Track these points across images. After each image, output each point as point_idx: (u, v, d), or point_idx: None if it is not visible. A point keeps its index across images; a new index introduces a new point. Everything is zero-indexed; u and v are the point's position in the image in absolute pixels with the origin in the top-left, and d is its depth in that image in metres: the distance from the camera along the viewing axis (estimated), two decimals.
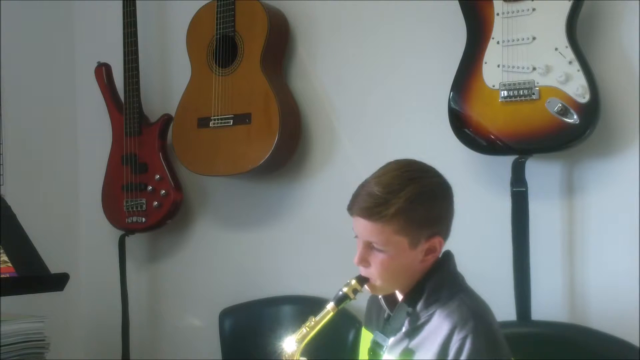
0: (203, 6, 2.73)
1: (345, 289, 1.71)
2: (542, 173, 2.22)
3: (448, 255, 1.75)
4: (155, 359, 3.04)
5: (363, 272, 1.71)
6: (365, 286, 1.72)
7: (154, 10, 3.06)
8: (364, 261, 1.69)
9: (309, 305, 2.59)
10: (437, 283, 1.69)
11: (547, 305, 2.20)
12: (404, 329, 1.70)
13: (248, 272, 2.83)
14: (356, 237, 1.70)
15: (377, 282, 1.70)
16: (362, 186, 1.69)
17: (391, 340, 1.72)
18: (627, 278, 2.10)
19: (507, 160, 2.17)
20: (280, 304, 2.69)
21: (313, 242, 2.69)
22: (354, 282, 1.71)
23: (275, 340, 2.52)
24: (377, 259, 1.67)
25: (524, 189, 2.16)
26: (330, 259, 2.63)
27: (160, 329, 3.06)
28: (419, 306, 1.68)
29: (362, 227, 1.67)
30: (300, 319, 2.53)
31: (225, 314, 2.75)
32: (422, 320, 1.68)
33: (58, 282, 2.37)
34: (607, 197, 2.15)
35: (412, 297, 1.70)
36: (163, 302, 3.06)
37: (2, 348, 2.37)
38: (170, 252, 3.03)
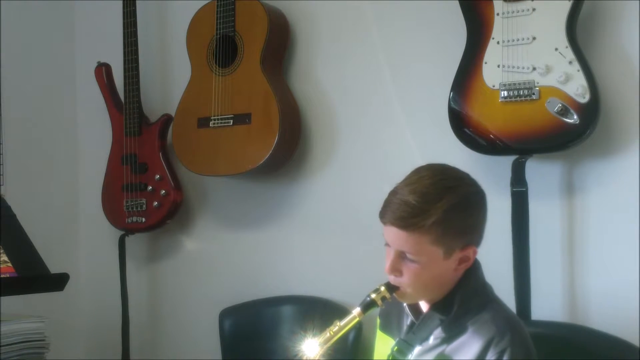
0: (203, 6, 2.73)
1: (373, 296, 1.68)
2: (542, 173, 2.22)
3: (476, 264, 1.72)
4: (155, 359, 3.04)
5: (393, 280, 1.67)
6: (394, 294, 1.68)
7: (154, 10, 3.06)
8: (396, 270, 1.65)
9: (308, 305, 2.59)
10: (468, 293, 1.67)
11: (547, 305, 2.20)
12: (431, 340, 1.68)
13: (248, 272, 2.83)
14: (386, 244, 1.66)
15: (408, 291, 1.66)
16: (394, 194, 1.63)
17: (417, 349, 1.69)
18: (627, 278, 2.10)
19: (507, 160, 2.17)
20: (280, 304, 2.69)
21: (313, 242, 2.69)
22: (383, 289, 1.68)
23: (275, 340, 2.54)
24: (409, 268, 1.63)
25: (524, 189, 2.16)
26: (330, 259, 2.63)
27: (160, 329, 3.06)
28: (451, 317, 1.65)
29: (396, 237, 1.62)
30: (300, 319, 2.55)
31: (225, 314, 2.75)
32: (454, 330, 1.65)
33: (58, 282, 2.37)
34: (607, 197, 2.15)
35: (442, 306, 1.67)
36: (163, 302, 3.06)
37: (2, 348, 2.37)
38: (170, 252, 3.03)
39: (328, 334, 1.69)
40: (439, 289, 1.68)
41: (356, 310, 1.69)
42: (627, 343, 2.01)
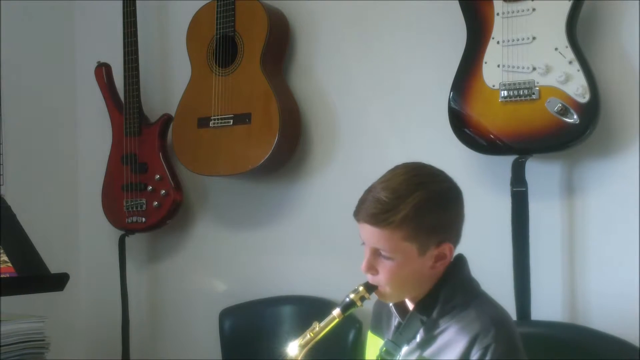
0: (203, 6, 2.73)
1: (352, 296, 1.67)
2: (542, 173, 2.22)
3: (461, 260, 1.71)
4: (155, 359, 3.04)
5: (371, 279, 1.67)
6: (374, 293, 1.68)
7: (154, 10, 3.06)
8: (372, 269, 1.65)
9: (309, 305, 2.59)
10: (452, 290, 1.66)
11: (547, 305, 2.20)
12: (418, 338, 1.67)
13: (248, 272, 2.83)
14: (363, 243, 1.66)
15: (386, 290, 1.66)
16: (369, 191, 1.64)
17: (404, 349, 1.69)
18: (627, 278, 2.10)
19: (507, 160, 2.17)
20: (280, 304, 2.69)
21: (313, 242, 2.69)
22: (361, 289, 1.67)
23: (275, 340, 2.54)
24: (385, 266, 1.63)
25: (524, 189, 2.15)
26: (330, 259, 2.63)
27: (160, 329, 3.06)
28: (435, 315, 1.65)
29: (369, 234, 1.62)
30: (300, 319, 2.55)
31: (225, 314, 2.75)
32: (438, 329, 1.64)
33: (58, 282, 2.37)
34: (607, 197, 2.15)
35: (425, 305, 1.67)
36: (163, 302, 3.06)
37: (2, 348, 2.37)
38: (170, 252, 3.03)
39: (308, 336, 1.68)
40: (418, 287, 1.68)
41: (336, 311, 1.68)
42: (627, 343, 2.01)
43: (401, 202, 1.58)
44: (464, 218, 1.69)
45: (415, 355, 1.66)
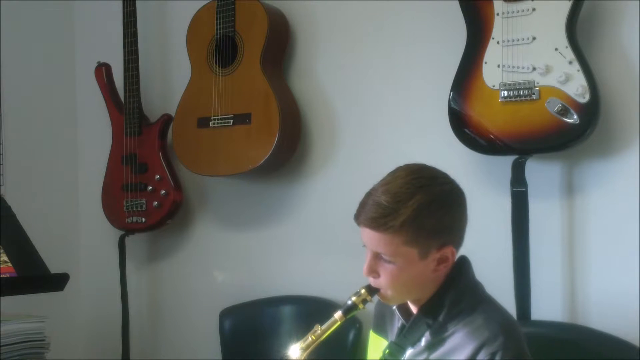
0: (203, 6, 2.73)
1: (354, 299, 1.67)
2: (542, 173, 2.22)
3: (465, 263, 1.70)
4: (155, 359, 3.04)
5: (373, 282, 1.66)
6: (377, 296, 1.68)
7: (154, 10, 3.06)
8: (373, 272, 1.64)
9: (309, 305, 2.59)
10: (458, 294, 1.65)
11: (547, 305, 2.20)
12: (423, 342, 1.66)
13: (248, 272, 2.83)
14: (364, 246, 1.65)
15: (388, 293, 1.66)
16: (369, 195, 1.62)
17: (409, 352, 1.68)
18: (627, 278, 2.10)
19: (507, 160, 2.17)
20: (280, 304, 2.69)
21: (313, 242, 2.69)
22: (363, 291, 1.67)
23: (275, 340, 2.54)
24: (386, 270, 1.62)
25: (524, 189, 2.16)
26: (330, 259, 2.63)
27: (160, 329, 3.06)
28: (441, 319, 1.64)
29: (370, 238, 1.61)
30: (300, 319, 2.56)
31: (225, 314, 2.75)
32: (446, 332, 1.63)
33: (58, 282, 2.38)
34: (607, 197, 2.15)
35: (431, 308, 1.66)
36: (163, 302, 3.06)
37: (2, 348, 2.37)
38: (170, 252, 3.03)
39: (310, 339, 1.68)
40: (421, 290, 1.67)
41: (337, 314, 1.68)
42: (627, 343, 2.01)
43: (401, 206, 1.57)
44: (467, 220, 1.67)
45: (422, 357, 1.66)
